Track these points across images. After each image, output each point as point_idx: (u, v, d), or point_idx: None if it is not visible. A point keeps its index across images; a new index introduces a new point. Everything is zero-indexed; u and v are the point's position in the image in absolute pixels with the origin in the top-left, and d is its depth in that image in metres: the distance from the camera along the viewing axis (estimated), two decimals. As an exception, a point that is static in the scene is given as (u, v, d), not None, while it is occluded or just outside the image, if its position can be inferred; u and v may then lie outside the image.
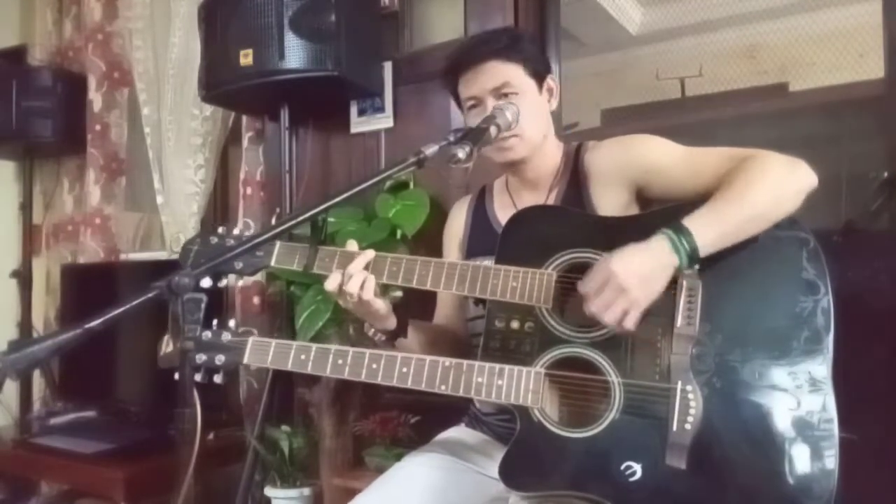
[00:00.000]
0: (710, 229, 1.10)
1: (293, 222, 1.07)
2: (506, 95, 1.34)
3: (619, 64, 2.83)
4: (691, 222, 1.10)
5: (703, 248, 1.09)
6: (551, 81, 1.41)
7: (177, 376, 0.94)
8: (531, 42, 1.42)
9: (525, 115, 1.32)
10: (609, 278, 1.07)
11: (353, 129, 2.37)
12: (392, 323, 1.31)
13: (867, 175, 1.76)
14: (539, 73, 1.38)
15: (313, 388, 2.08)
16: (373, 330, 1.34)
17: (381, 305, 1.27)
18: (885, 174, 1.72)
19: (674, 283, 1.12)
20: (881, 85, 1.78)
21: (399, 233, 1.98)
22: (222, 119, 2.65)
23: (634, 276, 1.06)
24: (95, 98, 2.92)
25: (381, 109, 2.30)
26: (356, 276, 1.22)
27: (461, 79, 1.39)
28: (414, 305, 1.55)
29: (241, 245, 1.05)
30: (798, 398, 1.07)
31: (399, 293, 1.83)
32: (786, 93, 2.32)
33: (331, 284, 1.23)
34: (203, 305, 0.93)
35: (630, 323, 1.07)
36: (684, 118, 2.39)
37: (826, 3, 2.29)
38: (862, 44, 2.01)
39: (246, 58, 2.03)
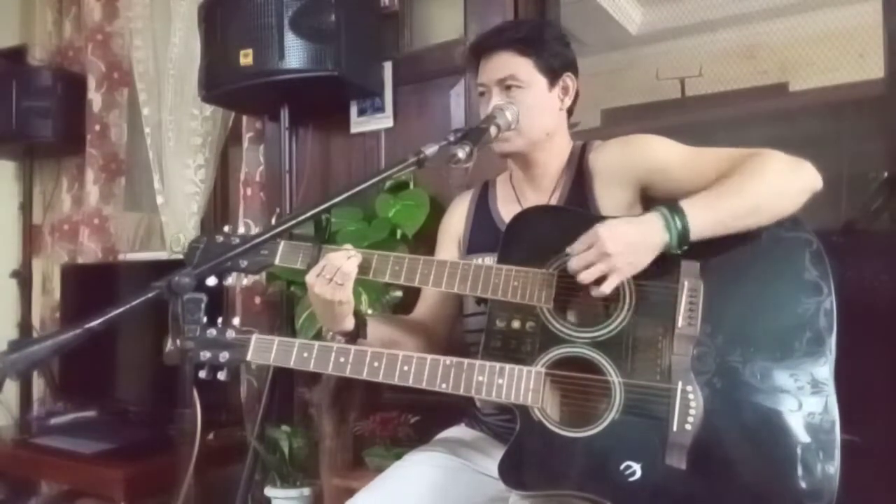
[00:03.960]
0: (705, 213, 1.11)
1: (297, 220, 1.07)
2: (510, 88, 1.34)
3: (619, 64, 2.83)
4: (687, 204, 1.11)
5: (696, 230, 1.10)
6: (568, 80, 1.40)
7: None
8: (556, 38, 1.40)
9: (525, 110, 1.33)
10: (594, 241, 1.09)
11: (353, 129, 2.37)
12: (350, 324, 1.30)
13: (867, 175, 1.76)
14: (553, 70, 1.37)
15: (313, 388, 2.07)
16: (331, 333, 1.33)
17: (350, 304, 1.26)
18: (885, 174, 1.72)
19: (675, 284, 1.12)
20: (881, 85, 1.78)
21: (399, 233, 1.98)
22: (222, 119, 2.65)
23: (619, 242, 1.08)
24: (95, 98, 2.91)
25: (381, 109, 2.30)
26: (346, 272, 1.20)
27: (479, 64, 1.40)
28: (414, 306, 1.55)
29: (244, 244, 1.06)
30: (799, 399, 1.07)
31: (398, 293, 1.84)
32: (786, 93, 2.32)
33: (312, 277, 1.22)
34: (203, 305, 0.93)
35: (606, 288, 1.09)
36: (684, 118, 2.39)
37: (826, 3, 2.29)
38: (862, 44, 2.01)
39: (246, 58, 2.02)
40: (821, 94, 2.24)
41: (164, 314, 0.91)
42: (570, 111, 1.45)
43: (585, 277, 1.10)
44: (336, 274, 1.21)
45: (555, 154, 1.41)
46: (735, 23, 2.41)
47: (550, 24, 1.45)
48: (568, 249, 1.13)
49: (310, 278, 1.23)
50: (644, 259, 1.11)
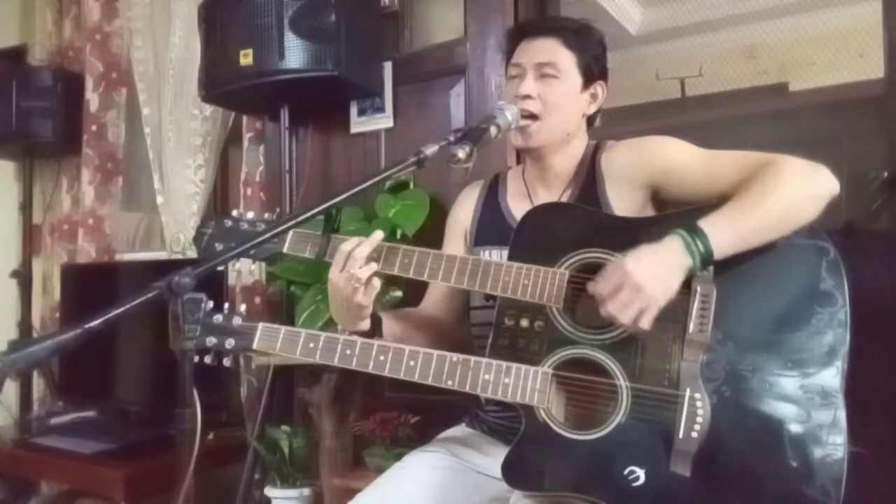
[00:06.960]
0: (725, 233, 1.09)
1: (309, 213, 1.06)
2: (545, 76, 1.33)
3: (619, 64, 2.83)
4: (706, 224, 1.09)
5: (718, 250, 1.08)
6: (599, 88, 1.40)
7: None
8: (599, 43, 1.41)
9: (555, 102, 1.33)
10: (624, 279, 1.06)
11: (353, 129, 2.37)
12: (367, 325, 1.30)
13: (867, 175, 1.75)
14: (590, 72, 1.37)
15: (313, 388, 2.07)
16: (347, 332, 1.32)
17: (370, 303, 1.26)
18: (885, 174, 1.72)
19: (688, 288, 1.10)
20: (881, 85, 1.79)
21: (399, 233, 1.98)
22: (222, 119, 2.65)
23: (649, 275, 1.06)
24: (92, 98, 2.90)
25: (381, 109, 2.30)
26: (365, 266, 1.20)
27: (518, 46, 1.39)
28: (415, 305, 1.55)
29: (253, 229, 1.02)
30: (808, 411, 1.05)
31: (399, 293, 1.84)
32: (786, 93, 2.32)
33: (335, 273, 1.22)
34: (203, 305, 0.92)
35: (646, 322, 1.07)
36: (684, 118, 2.39)
37: (826, 3, 2.29)
38: (862, 44, 2.01)
39: (246, 58, 2.03)
40: (821, 94, 2.24)
41: (165, 314, 0.91)
42: (591, 121, 1.45)
43: (626, 319, 1.07)
44: (348, 260, 1.19)
45: (569, 157, 1.40)
46: (735, 23, 2.41)
47: (598, 30, 1.45)
48: (590, 289, 1.11)
49: (333, 275, 1.22)
50: (675, 285, 1.08)
